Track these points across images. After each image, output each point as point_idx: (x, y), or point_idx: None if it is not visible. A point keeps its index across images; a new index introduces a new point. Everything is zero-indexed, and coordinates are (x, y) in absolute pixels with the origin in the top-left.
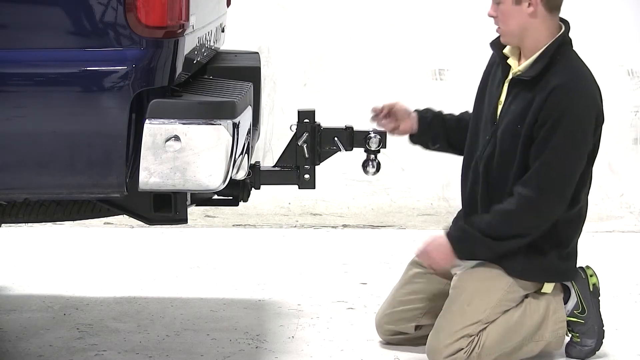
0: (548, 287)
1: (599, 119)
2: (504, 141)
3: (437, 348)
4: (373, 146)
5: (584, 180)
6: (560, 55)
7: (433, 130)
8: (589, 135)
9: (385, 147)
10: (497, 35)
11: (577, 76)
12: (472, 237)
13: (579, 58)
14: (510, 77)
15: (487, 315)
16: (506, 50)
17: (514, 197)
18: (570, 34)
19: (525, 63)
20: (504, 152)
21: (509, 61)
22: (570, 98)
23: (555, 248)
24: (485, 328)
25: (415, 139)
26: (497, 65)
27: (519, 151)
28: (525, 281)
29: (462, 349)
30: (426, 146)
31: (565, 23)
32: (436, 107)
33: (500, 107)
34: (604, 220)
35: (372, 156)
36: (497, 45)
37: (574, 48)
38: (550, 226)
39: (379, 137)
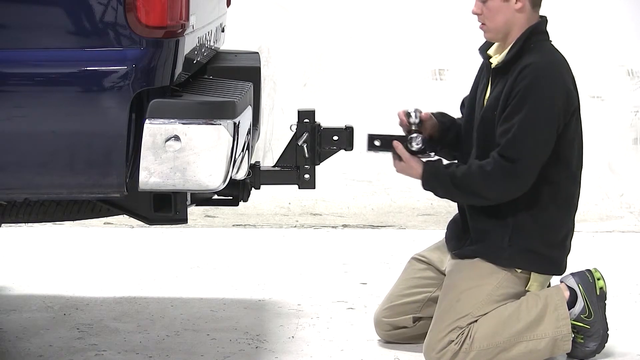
0: (535, 284)
1: (570, 100)
2: (484, 127)
3: (430, 344)
4: (415, 147)
5: (566, 163)
6: (534, 43)
7: (449, 135)
8: (558, 111)
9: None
10: (485, 40)
11: (547, 57)
12: (443, 179)
13: (554, 47)
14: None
15: (476, 308)
16: (490, 52)
17: (491, 160)
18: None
19: (502, 53)
20: (487, 136)
21: (492, 60)
22: (538, 74)
23: (539, 230)
24: (476, 320)
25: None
26: (484, 71)
27: (497, 136)
28: (515, 275)
29: (453, 340)
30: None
31: (543, 18)
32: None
33: (485, 104)
34: (604, 220)
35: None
36: (483, 49)
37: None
38: (534, 205)
39: (420, 137)
